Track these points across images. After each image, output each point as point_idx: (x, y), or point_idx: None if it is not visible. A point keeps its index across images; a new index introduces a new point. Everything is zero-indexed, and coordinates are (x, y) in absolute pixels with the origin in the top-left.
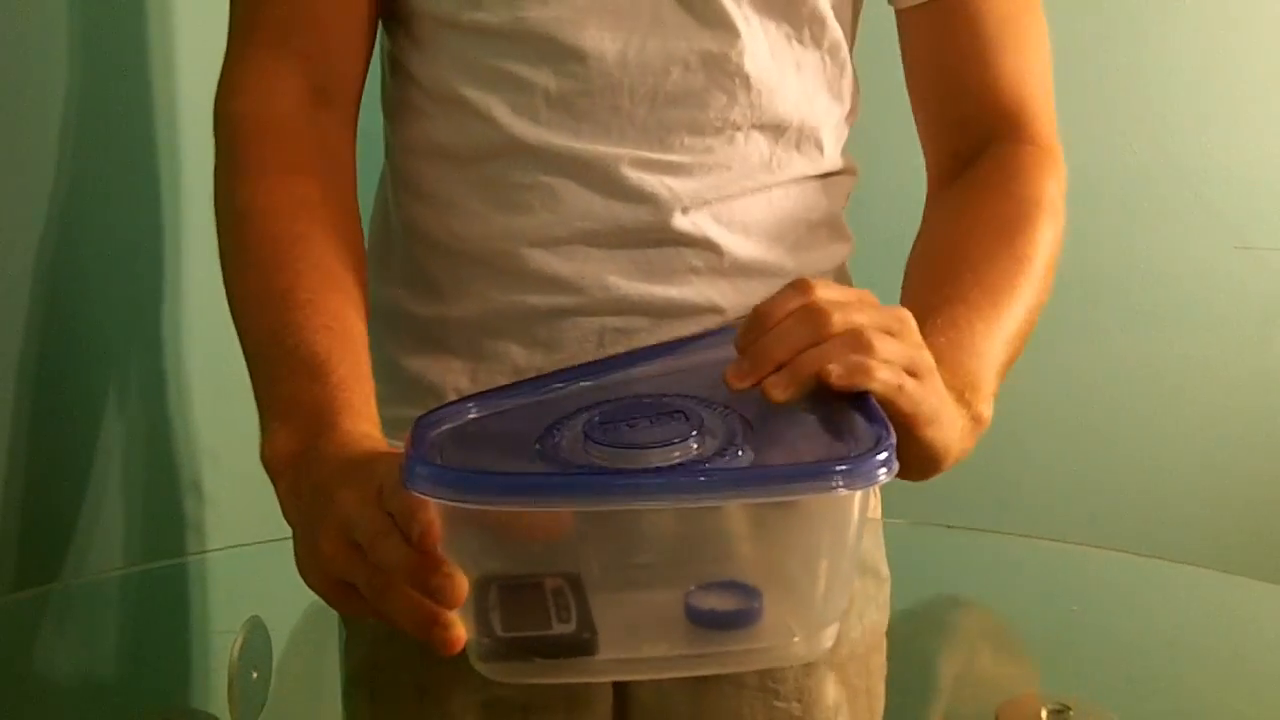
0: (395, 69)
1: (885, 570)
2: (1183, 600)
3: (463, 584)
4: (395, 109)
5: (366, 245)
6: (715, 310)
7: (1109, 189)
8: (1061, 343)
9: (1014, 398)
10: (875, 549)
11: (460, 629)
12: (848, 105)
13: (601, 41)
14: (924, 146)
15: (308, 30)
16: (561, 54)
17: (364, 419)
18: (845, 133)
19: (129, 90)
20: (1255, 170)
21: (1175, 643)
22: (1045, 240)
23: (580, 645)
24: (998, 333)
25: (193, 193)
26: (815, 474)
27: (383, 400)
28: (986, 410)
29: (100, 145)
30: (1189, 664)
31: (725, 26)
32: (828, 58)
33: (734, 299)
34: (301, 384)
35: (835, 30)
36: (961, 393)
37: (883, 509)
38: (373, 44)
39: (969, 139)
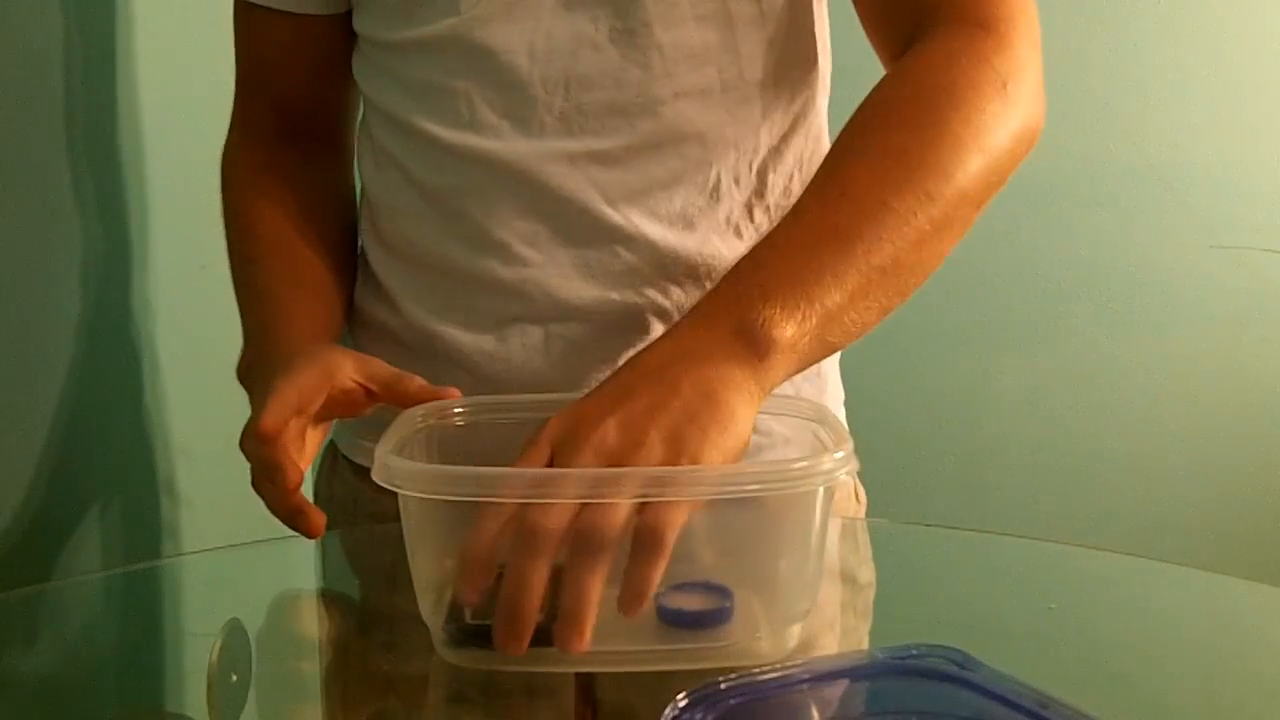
0: (362, 93)
1: (866, 576)
2: (1161, 597)
3: (295, 475)
4: (360, 128)
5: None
6: (660, 314)
7: (1087, 188)
8: (1039, 341)
9: (992, 395)
10: (851, 555)
11: (316, 516)
12: (798, 56)
13: (508, 36)
14: (871, 39)
15: (271, 81)
16: (473, 55)
17: (304, 329)
18: (801, 89)
19: (97, 91)
20: (1231, 170)
21: (1153, 640)
22: (944, 124)
23: (537, 636)
24: (828, 248)
25: (162, 195)
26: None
27: None
28: (780, 330)
29: (70, 148)
30: (1168, 661)
31: None
32: (766, 6)
33: (682, 300)
34: (260, 315)
35: None
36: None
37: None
38: (344, 81)
39: (913, 24)
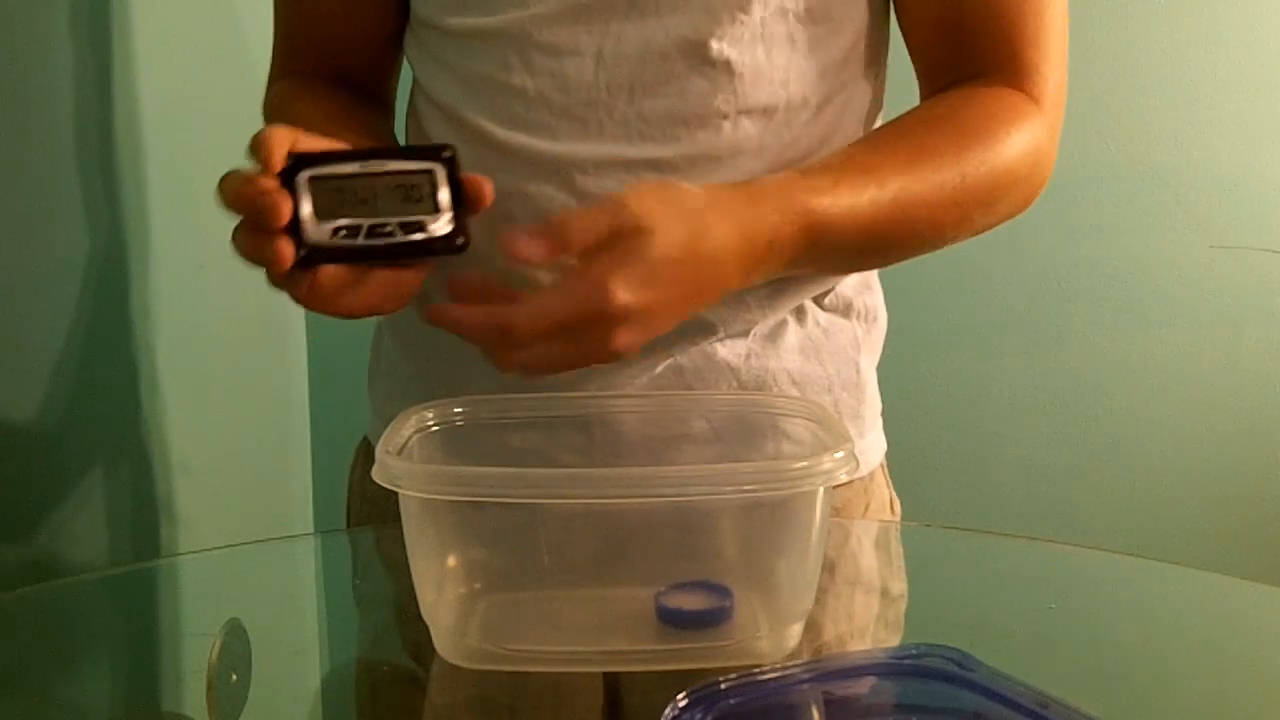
0: (414, 78)
1: (898, 588)
2: (1161, 597)
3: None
4: (409, 115)
5: None
6: (705, 329)
7: (1088, 189)
8: (1039, 341)
9: (992, 395)
10: (884, 566)
11: (284, 247)
12: (862, 78)
13: (575, 37)
14: (920, 75)
15: (317, 51)
16: (537, 53)
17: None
18: (863, 111)
19: (96, 92)
20: (1230, 171)
21: (1153, 640)
22: (984, 159)
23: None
24: (847, 187)
25: (161, 196)
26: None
27: (387, 396)
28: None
29: (68, 149)
30: (1168, 661)
31: (703, 10)
32: (830, 29)
33: (722, 313)
34: None
35: (838, 3)
36: (753, 239)
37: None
38: (395, 54)
39: (964, 71)
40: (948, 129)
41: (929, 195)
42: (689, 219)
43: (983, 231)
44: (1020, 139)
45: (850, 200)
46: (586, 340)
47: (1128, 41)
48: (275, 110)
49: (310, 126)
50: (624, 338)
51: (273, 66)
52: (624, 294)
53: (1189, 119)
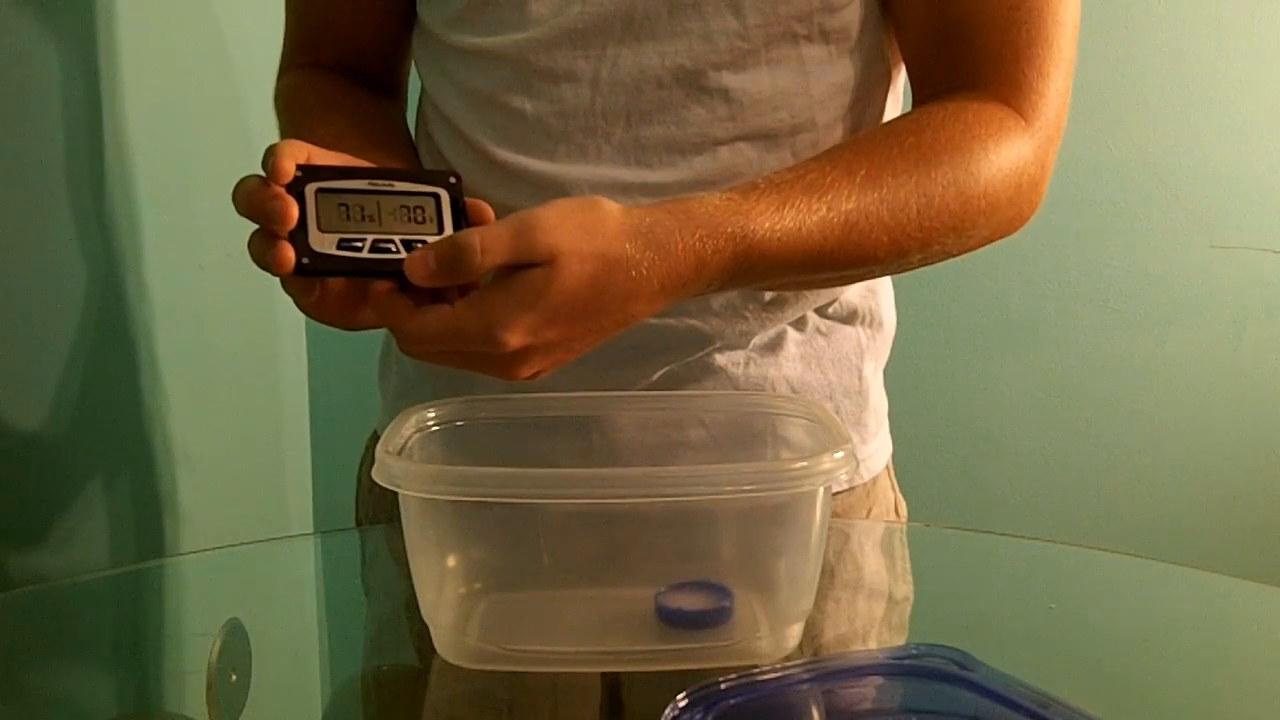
0: (422, 86)
1: (903, 591)
2: (1161, 597)
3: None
4: (419, 118)
5: None
6: (702, 340)
7: (1087, 188)
8: (1039, 340)
9: (992, 395)
10: (889, 569)
11: (286, 250)
12: (871, 94)
13: (573, 62)
14: (912, 82)
15: (331, 46)
16: (535, 77)
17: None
18: (875, 125)
19: (94, 93)
20: (1230, 170)
21: (1153, 640)
22: (954, 179)
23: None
24: (789, 214)
25: (161, 195)
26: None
27: (398, 392)
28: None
29: (68, 149)
30: (1168, 661)
31: (701, 37)
32: (839, 49)
33: (718, 325)
34: None
35: (851, 16)
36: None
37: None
38: (405, 47)
39: (954, 80)
40: (916, 146)
41: (888, 217)
42: (602, 253)
43: (961, 254)
44: (999, 159)
45: (796, 223)
46: (483, 366)
47: (1128, 41)
48: (287, 105)
49: (324, 125)
50: (525, 370)
51: (283, 57)
52: (515, 339)
53: (1189, 119)
